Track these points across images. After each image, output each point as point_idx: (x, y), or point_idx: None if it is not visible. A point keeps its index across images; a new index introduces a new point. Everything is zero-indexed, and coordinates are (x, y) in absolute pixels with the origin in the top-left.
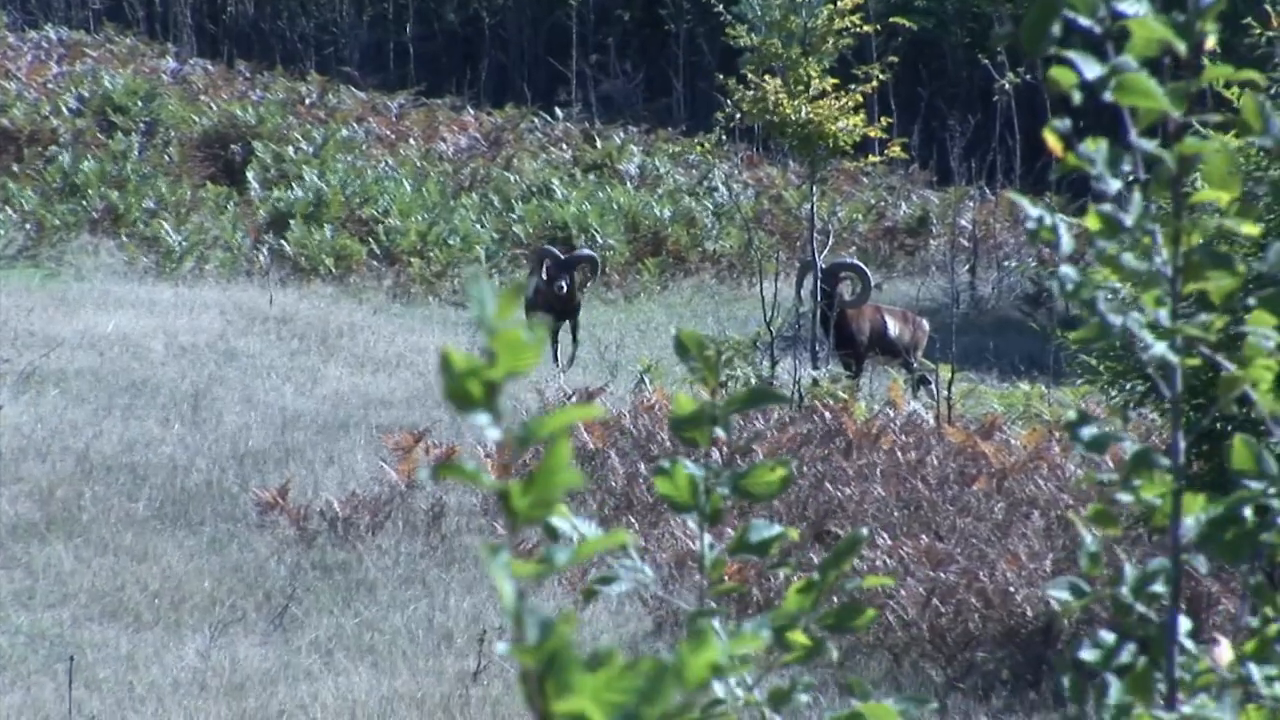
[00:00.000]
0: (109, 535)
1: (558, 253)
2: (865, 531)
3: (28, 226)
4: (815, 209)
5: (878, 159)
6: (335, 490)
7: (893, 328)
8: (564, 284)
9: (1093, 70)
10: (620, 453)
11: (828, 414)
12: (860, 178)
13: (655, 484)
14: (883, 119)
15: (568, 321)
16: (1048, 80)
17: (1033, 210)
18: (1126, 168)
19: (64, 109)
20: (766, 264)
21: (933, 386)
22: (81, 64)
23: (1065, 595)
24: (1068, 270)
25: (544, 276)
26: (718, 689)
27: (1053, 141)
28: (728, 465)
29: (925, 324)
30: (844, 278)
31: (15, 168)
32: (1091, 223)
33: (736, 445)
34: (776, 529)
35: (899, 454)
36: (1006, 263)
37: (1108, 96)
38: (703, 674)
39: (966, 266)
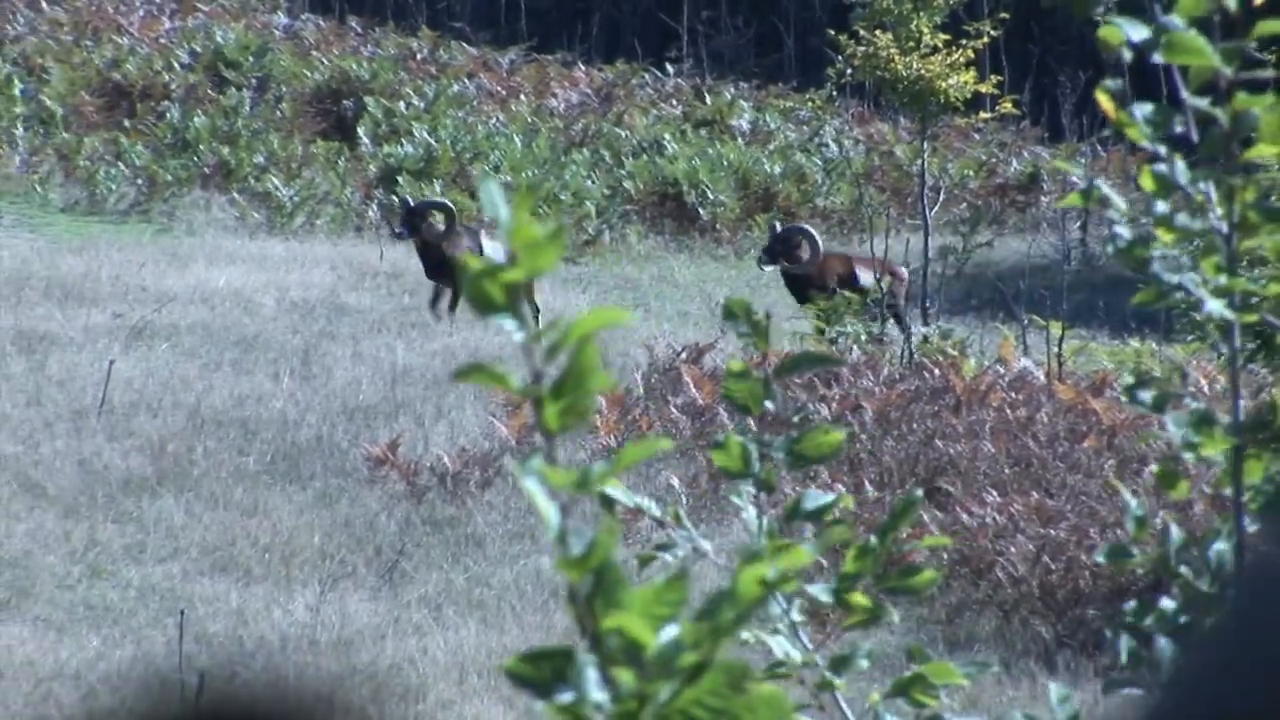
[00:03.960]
0: (220, 490)
1: (408, 200)
2: (920, 494)
3: (139, 182)
4: (926, 165)
5: (989, 115)
6: (445, 445)
7: (865, 277)
8: (404, 233)
9: (1139, 33)
10: (729, 410)
11: (937, 370)
12: (971, 134)
13: (713, 458)
14: (994, 75)
15: (454, 288)
16: (1098, 41)
17: (1079, 175)
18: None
19: (176, 64)
20: (877, 220)
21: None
22: (194, 19)
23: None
24: (1121, 229)
25: (394, 230)
26: (776, 649)
27: (1104, 101)
28: (789, 428)
29: (903, 270)
30: (797, 242)
31: (127, 123)
32: (1145, 182)
33: (794, 412)
34: (829, 497)
35: (1008, 411)
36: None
37: (1157, 58)
38: (753, 589)
39: (1078, 224)
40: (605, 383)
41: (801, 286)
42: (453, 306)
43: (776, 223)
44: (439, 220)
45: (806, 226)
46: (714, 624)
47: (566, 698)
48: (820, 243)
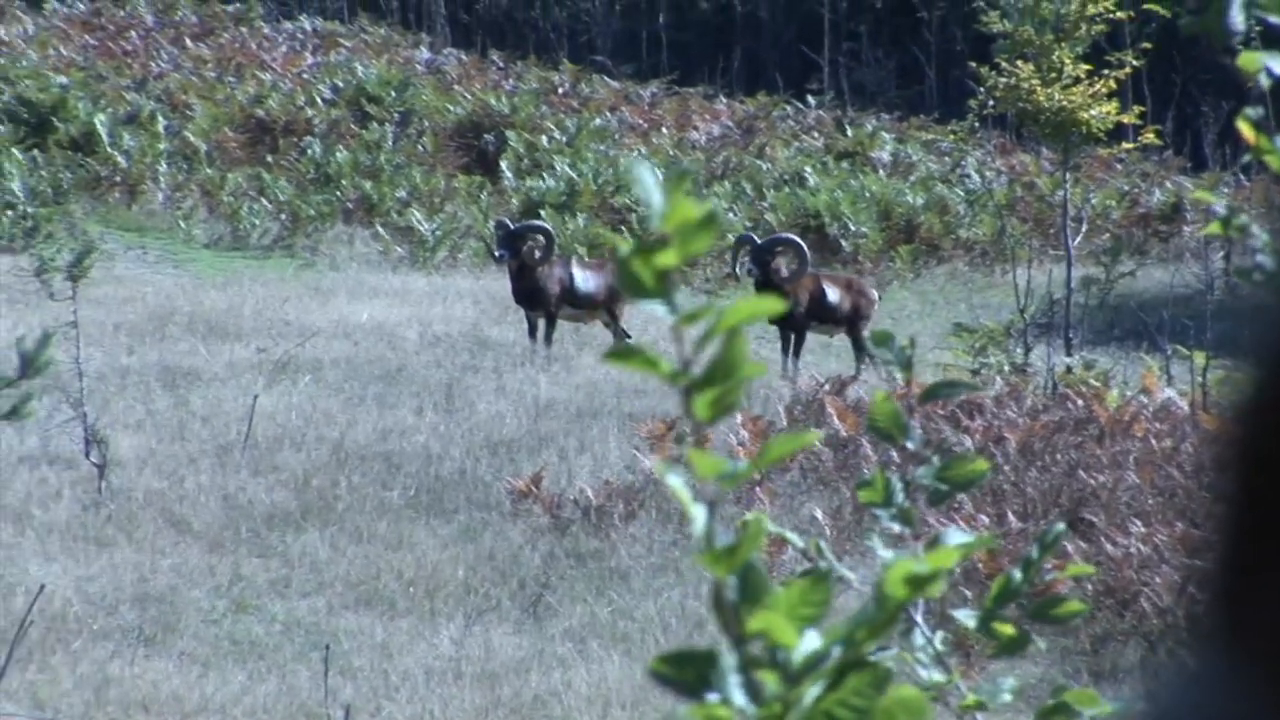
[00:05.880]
0: (364, 524)
1: (508, 222)
2: (1063, 526)
3: (283, 217)
4: (1068, 196)
5: (1131, 146)
6: (588, 478)
7: (832, 295)
8: (504, 255)
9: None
10: (873, 441)
11: (1080, 401)
12: (1114, 164)
13: (860, 496)
14: (1136, 105)
15: (543, 316)
16: (1236, 69)
17: (1219, 205)
18: None
19: (318, 99)
20: (1020, 251)
21: (874, 357)
22: (336, 54)
23: None
24: (1264, 259)
25: (494, 252)
26: (921, 673)
27: (1245, 129)
28: (932, 456)
29: (873, 293)
30: (780, 252)
31: (270, 158)
32: None
33: (928, 442)
34: (969, 537)
35: (1153, 441)
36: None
37: None
38: (900, 589)
39: (1221, 253)
40: (756, 371)
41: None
42: (548, 334)
43: (754, 234)
44: (539, 244)
45: (795, 238)
46: (861, 624)
47: (713, 698)
48: (808, 257)
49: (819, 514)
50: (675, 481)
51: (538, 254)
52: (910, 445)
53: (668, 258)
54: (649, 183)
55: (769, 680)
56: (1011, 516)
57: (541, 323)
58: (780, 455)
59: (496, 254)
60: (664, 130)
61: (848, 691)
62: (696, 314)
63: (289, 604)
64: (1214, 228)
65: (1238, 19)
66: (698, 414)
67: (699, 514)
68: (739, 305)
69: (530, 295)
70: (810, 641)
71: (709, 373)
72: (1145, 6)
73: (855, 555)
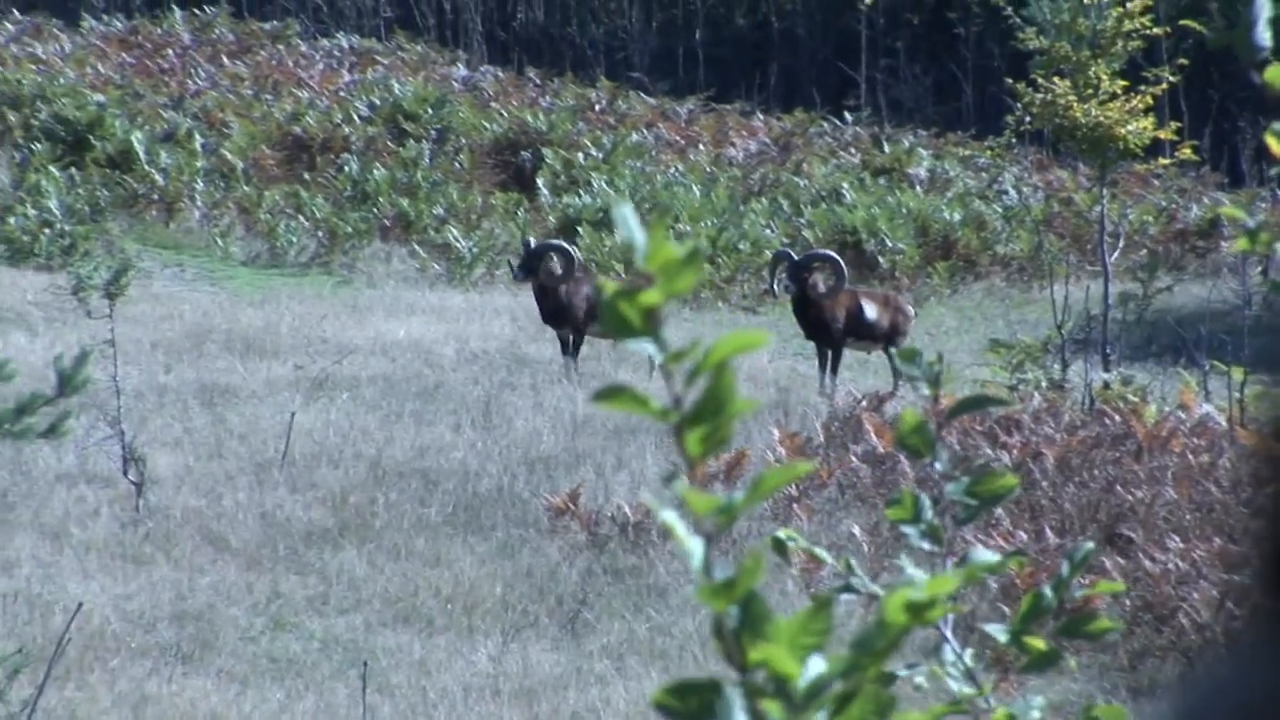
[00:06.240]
0: (401, 541)
1: (530, 241)
2: (1091, 545)
3: (320, 234)
4: (1106, 212)
5: (1168, 161)
6: (626, 495)
7: (870, 311)
8: (522, 274)
9: None
10: (910, 457)
11: (1118, 417)
12: (1151, 180)
13: (888, 514)
14: (1173, 121)
15: (572, 333)
16: (1265, 82)
17: (1250, 220)
18: None
19: (355, 117)
20: (1057, 267)
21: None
22: (373, 72)
23: None
24: None
25: (514, 271)
26: (951, 686)
27: (1273, 144)
28: (960, 472)
29: (910, 309)
30: (817, 268)
31: (307, 176)
32: None
33: (963, 458)
34: (996, 557)
35: (1190, 456)
36: None
37: None
38: (899, 616)
39: (1259, 269)
40: (745, 406)
41: (813, 316)
42: (575, 351)
43: (791, 251)
44: (557, 264)
45: (832, 254)
46: (863, 652)
47: None
48: (845, 273)
49: (857, 531)
50: (670, 516)
51: (557, 273)
52: (938, 465)
53: (652, 297)
54: (631, 224)
55: (772, 710)
56: (1049, 532)
57: (573, 339)
58: (773, 488)
59: (516, 274)
60: (701, 147)
61: (851, 718)
62: (684, 352)
63: (327, 621)
64: (1241, 243)
65: (1265, 34)
66: (690, 450)
67: (696, 548)
68: (725, 340)
69: (555, 313)
70: (814, 668)
71: (698, 409)
72: (1182, 23)
73: (893, 572)
